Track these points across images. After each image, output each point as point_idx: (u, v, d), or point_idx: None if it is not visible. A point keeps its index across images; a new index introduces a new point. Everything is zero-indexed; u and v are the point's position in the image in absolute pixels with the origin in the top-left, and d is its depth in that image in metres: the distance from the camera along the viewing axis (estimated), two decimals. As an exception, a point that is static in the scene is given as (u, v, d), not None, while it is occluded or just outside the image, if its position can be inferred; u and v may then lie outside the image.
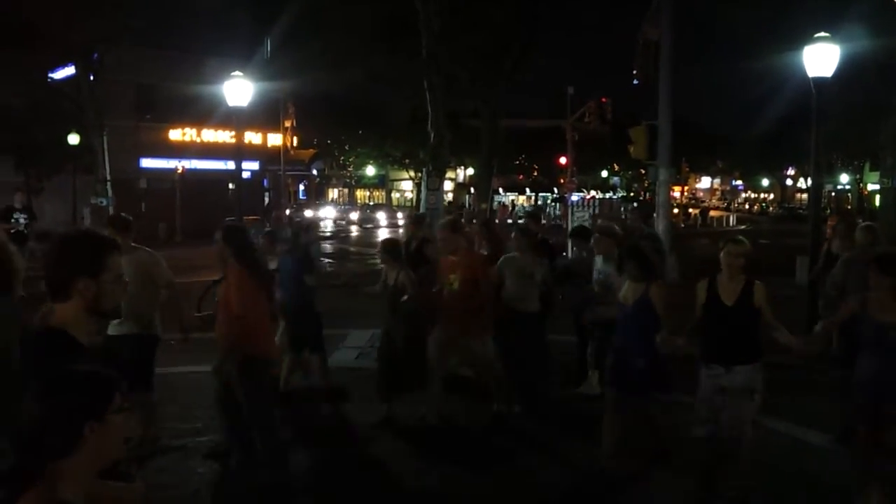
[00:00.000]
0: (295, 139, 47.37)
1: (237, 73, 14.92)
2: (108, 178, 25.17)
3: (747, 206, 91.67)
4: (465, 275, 7.06)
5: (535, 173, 63.52)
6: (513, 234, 8.04)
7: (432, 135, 15.38)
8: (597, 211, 20.12)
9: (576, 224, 16.90)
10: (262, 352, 5.62)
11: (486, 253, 8.39)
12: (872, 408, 4.93)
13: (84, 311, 2.65)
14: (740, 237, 5.81)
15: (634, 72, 18.52)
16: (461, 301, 7.06)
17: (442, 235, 7.39)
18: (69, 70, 26.94)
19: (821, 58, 10.66)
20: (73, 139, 26.64)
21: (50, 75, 27.96)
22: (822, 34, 10.77)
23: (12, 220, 14.07)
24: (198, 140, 36.97)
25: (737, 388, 5.34)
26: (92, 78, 24.53)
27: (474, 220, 13.65)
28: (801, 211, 61.46)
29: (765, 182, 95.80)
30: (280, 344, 7.94)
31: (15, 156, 28.85)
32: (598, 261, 7.82)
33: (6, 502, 1.98)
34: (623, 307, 6.07)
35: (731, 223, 56.64)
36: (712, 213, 63.64)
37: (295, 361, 8.13)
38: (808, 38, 10.88)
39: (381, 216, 53.61)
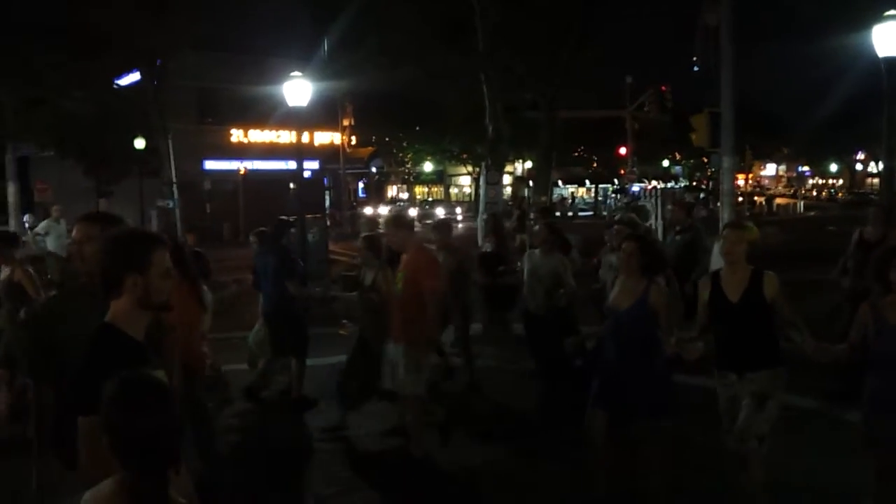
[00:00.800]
0: (353, 138, 47.74)
1: (296, 73, 15.11)
2: (174, 180, 25.78)
3: (815, 193, 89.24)
4: (407, 276, 6.24)
5: (595, 165, 62.77)
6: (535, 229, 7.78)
7: (490, 129, 15.36)
8: (659, 201, 19.81)
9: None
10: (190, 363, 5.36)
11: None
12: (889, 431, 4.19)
13: (135, 307, 2.74)
14: (742, 221, 5.31)
15: (694, 58, 18.17)
16: (400, 305, 6.26)
17: (387, 232, 6.69)
18: (134, 76, 27.65)
19: (891, 36, 10.30)
20: (140, 144, 27.37)
21: (116, 82, 28.73)
22: (893, 12, 10.40)
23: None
24: (259, 141, 37.59)
25: (749, 396, 4.65)
26: (156, 83, 25.14)
27: (531, 216, 13.47)
28: (872, 196, 59.56)
29: (833, 167, 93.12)
30: (259, 348, 7.92)
31: (85, 161, 29.75)
32: (613, 257, 7.14)
33: None
34: (614, 313, 5.10)
35: (798, 210, 55.22)
36: (778, 200, 62.16)
37: (280, 366, 7.87)
38: (877, 15, 10.52)
39: (440, 212, 53.73)
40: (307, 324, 7.90)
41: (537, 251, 7.68)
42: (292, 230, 9.68)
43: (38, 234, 15.31)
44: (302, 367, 7.67)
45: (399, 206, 50.70)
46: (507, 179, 48.47)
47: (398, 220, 6.66)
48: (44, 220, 16.69)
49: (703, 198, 55.77)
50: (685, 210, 9.95)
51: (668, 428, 4.99)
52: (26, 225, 27.24)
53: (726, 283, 4.82)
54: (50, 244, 14.75)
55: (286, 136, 36.19)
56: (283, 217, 9.66)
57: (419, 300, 6.06)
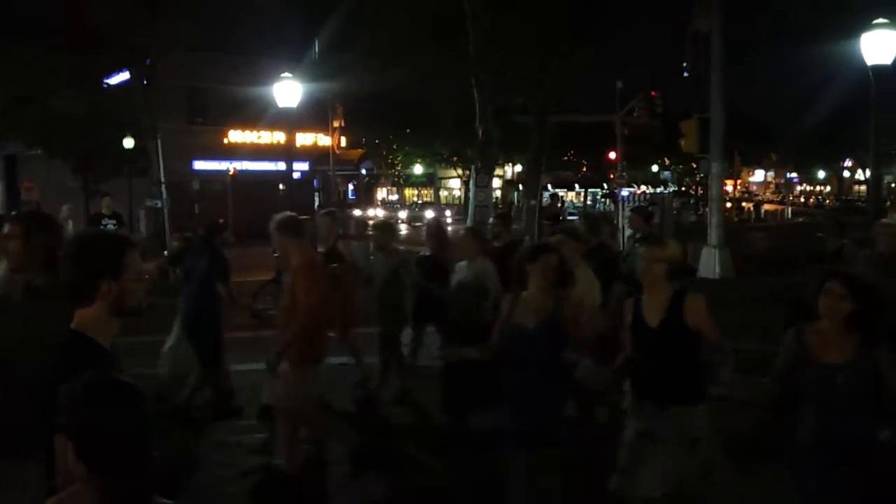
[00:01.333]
0: (343, 139, 47.70)
1: (287, 74, 15.09)
2: (163, 180, 25.67)
3: (803, 200, 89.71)
4: (288, 287, 5.78)
5: (585, 169, 62.91)
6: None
7: (480, 132, 15.36)
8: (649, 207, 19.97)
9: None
10: None
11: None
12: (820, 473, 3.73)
13: (107, 313, 2.63)
14: (660, 237, 4.65)
15: (684, 64, 18.25)
16: (281, 317, 5.81)
17: (271, 236, 5.98)
18: (124, 76, 27.54)
19: (879, 44, 10.38)
20: (129, 143, 27.25)
21: (105, 81, 28.60)
22: (881, 20, 10.48)
23: (101, 226, 14.33)
24: (249, 142, 37.51)
25: (669, 434, 4.13)
26: (146, 83, 25.03)
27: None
28: (859, 203, 59.96)
29: (821, 174, 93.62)
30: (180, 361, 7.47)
31: (72, 160, 29.60)
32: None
33: None
34: (516, 331, 4.42)
35: (786, 217, 55.52)
36: (766, 206, 62.46)
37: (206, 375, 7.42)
38: (865, 24, 10.60)
39: (430, 214, 53.74)
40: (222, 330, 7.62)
41: (463, 262, 7.01)
42: (225, 232, 9.42)
43: None
44: (207, 378, 7.38)
45: (397, 207, 50.78)
46: (496, 183, 48.58)
47: (281, 223, 5.89)
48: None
49: (694, 202, 56.03)
50: (643, 217, 9.63)
51: (572, 457, 4.38)
52: (13, 223, 26.93)
53: (646, 305, 4.33)
54: None
55: (276, 137, 36.13)
56: (218, 220, 9.34)
57: (295, 313, 5.50)
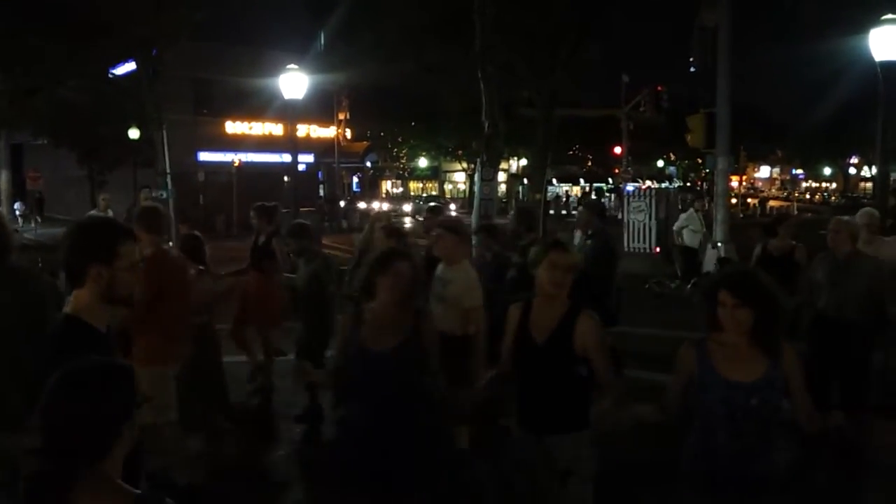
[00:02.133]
0: (348, 132, 47.69)
1: (293, 66, 15.07)
2: (168, 171, 25.69)
3: (808, 196, 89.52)
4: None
5: (590, 164, 62.84)
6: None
7: (486, 125, 15.29)
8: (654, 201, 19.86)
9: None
10: None
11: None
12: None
13: (98, 298, 2.67)
14: (564, 241, 3.94)
15: (691, 59, 18.19)
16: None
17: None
18: (129, 66, 27.54)
19: (888, 41, 10.32)
20: (134, 134, 27.28)
21: (111, 71, 28.61)
22: (890, 16, 10.42)
23: None
24: (254, 133, 37.52)
25: (548, 466, 3.66)
26: (152, 73, 25.03)
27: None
28: (864, 200, 59.82)
29: (827, 171, 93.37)
30: None
31: (78, 150, 29.65)
32: (440, 268, 5.74)
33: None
34: (365, 354, 3.65)
35: (792, 213, 55.40)
36: (772, 202, 62.30)
37: None
38: (874, 20, 10.54)
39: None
40: None
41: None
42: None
43: None
44: None
45: (419, 201, 50.63)
46: (501, 176, 48.51)
47: (138, 215, 5.57)
48: (34, 208, 16.57)
49: (587, 202, 55.69)
50: (596, 212, 8.65)
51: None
52: (17, 213, 27.10)
53: (536, 317, 3.76)
54: None
55: (281, 129, 36.11)
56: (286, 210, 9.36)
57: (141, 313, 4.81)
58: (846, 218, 6.42)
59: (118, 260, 2.66)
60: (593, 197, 61.74)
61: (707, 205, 15.83)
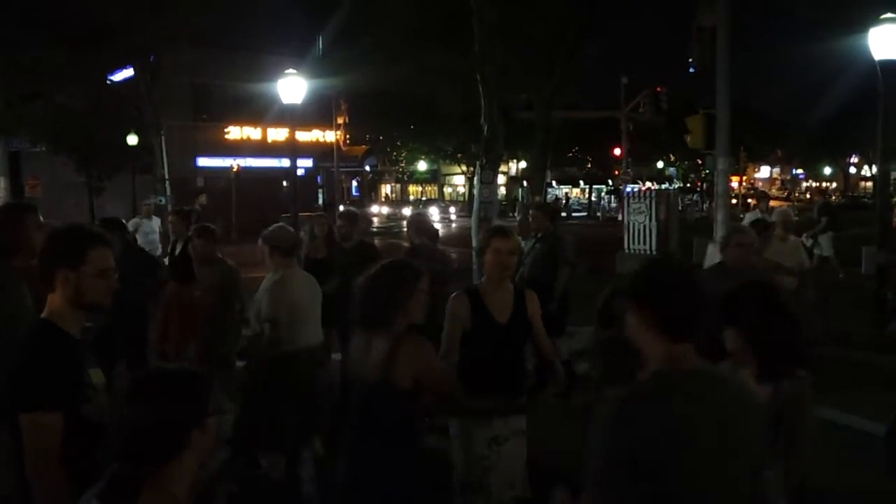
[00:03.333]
0: (347, 136, 47.72)
1: (291, 70, 15.02)
2: (167, 177, 25.67)
3: (808, 196, 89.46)
4: None
5: (590, 165, 62.81)
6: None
7: (485, 128, 15.23)
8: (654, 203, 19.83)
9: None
10: None
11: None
12: None
13: (68, 303, 2.67)
14: (506, 227, 4.30)
15: (690, 59, 18.13)
16: None
17: None
18: (128, 72, 27.52)
19: (887, 39, 10.27)
20: (132, 140, 27.25)
21: (110, 77, 28.62)
22: (889, 15, 10.37)
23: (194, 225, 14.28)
24: (252, 138, 37.50)
25: (512, 431, 3.92)
26: (150, 79, 25.02)
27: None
28: (865, 199, 59.80)
29: (827, 170, 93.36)
30: None
31: (77, 156, 29.62)
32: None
33: None
34: (352, 387, 3.40)
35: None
36: (772, 203, 62.30)
37: None
38: (873, 18, 10.50)
39: (434, 211, 53.74)
40: None
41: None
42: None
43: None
44: None
45: (418, 204, 50.62)
46: (501, 179, 48.48)
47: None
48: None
49: (540, 205, 55.66)
50: (548, 215, 8.50)
51: None
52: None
53: (492, 300, 4.04)
54: (140, 242, 14.02)
55: (280, 134, 36.10)
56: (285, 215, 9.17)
57: None
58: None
59: (86, 265, 2.66)
60: (593, 199, 61.88)
61: (769, 206, 15.64)
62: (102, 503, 2.03)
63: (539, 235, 8.16)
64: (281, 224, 6.09)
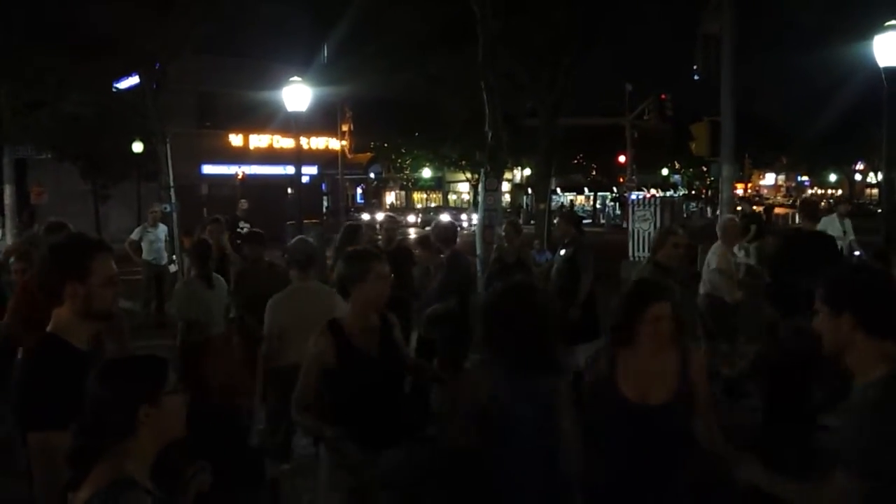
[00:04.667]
0: (352, 143, 47.77)
1: (296, 78, 15.06)
2: (172, 184, 25.70)
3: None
4: None
5: (594, 172, 62.76)
6: None
7: (489, 135, 15.25)
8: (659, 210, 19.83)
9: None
10: None
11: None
12: None
13: (77, 316, 2.66)
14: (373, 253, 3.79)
15: (695, 67, 18.12)
16: None
17: None
18: (133, 80, 27.60)
19: (892, 46, 10.26)
20: (138, 147, 27.31)
21: (115, 85, 28.68)
22: (894, 22, 10.37)
23: (238, 229, 14.22)
24: (257, 146, 37.57)
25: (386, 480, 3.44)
26: (155, 87, 25.07)
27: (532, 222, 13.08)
28: (870, 206, 59.65)
29: (832, 177, 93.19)
30: None
31: (82, 164, 29.70)
32: None
33: (75, 480, 2.12)
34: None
35: (797, 220, 55.24)
36: (777, 210, 62.14)
37: None
38: (877, 25, 10.49)
39: (444, 217, 53.63)
40: None
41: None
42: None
43: (131, 240, 14.15)
44: None
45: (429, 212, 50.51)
46: (505, 186, 48.47)
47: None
48: (25, 221, 16.22)
49: (564, 213, 55.55)
50: (572, 223, 8.61)
51: None
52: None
53: (353, 331, 3.57)
54: (145, 251, 13.90)
55: (285, 142, 36.17)
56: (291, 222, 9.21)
57: None
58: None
59: (92, 276, 2.65)
60: (598, 206, 61.79)
61: (850, 209, 15.51)
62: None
63: (566, 242, 8.30)
64: (301, 237, 6.15)
